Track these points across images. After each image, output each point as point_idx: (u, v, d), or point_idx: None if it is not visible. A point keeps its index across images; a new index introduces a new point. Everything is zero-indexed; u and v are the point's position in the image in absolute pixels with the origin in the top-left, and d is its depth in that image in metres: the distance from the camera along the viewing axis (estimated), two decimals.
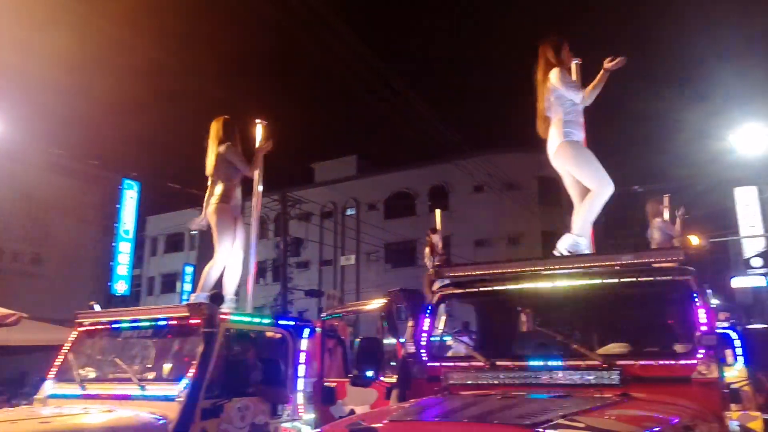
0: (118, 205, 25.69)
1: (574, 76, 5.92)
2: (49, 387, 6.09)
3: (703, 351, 4.00)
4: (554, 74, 5.56)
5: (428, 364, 4.76)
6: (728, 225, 35.09)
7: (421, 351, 4.82)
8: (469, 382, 4.45)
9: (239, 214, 7.13)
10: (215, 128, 7.15)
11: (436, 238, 10.74)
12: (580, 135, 5.60)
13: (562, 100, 5.58)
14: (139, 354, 6.14)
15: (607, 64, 5.42)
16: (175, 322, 5.84)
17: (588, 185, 5.42)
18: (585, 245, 5.32)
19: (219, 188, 6.99)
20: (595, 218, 5.47)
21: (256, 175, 7.14)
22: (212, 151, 7.11)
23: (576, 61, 6.02)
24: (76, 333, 6.40)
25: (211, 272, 6.80)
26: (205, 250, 7.32)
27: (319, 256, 43.56)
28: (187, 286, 38.18)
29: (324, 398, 6.33)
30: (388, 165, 44.57)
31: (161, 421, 5.11)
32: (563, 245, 5.31)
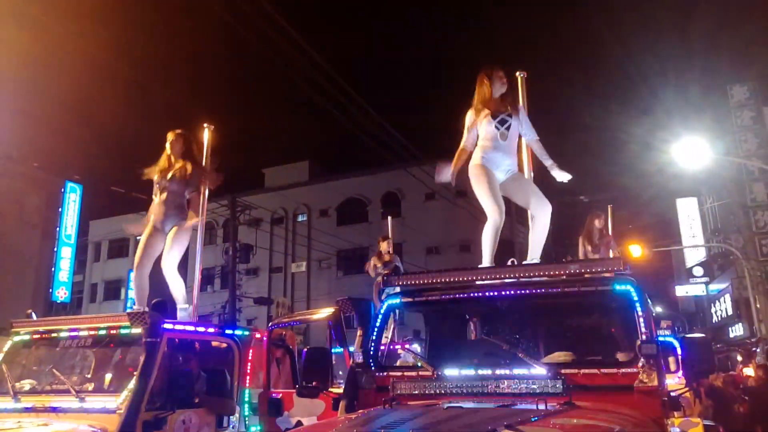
0: (59, 209, 25.04)
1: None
2: None
3: (644, 360, 4.07)
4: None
5: (376, 373, 4.74)
6: (671, 235, 36.08)
7: (370, 360, 4.80)
8: (417, 392, 4.45)
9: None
10: (178, 143, 7.09)
11: (386, 246, 10.73)
12: (497, 157, 5.73)
13: (483, 127, 5.78)
14: (78, 365, 5.95)
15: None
16: (115, 331, 5.69)
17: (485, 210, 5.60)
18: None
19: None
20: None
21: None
22: (172, 164, 7.06)
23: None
24: (11, 343, 6.17)
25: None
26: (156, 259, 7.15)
27: (269, 263, 43.14)
28: (132, 293, 37.40)
29: (270, 409, 6.24)
30: (341, 171, 44.49)
31: None
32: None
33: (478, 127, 5.77)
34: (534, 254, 5.51)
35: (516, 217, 5.93)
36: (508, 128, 5.72)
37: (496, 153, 5.67)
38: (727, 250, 29.10)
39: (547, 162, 5.92)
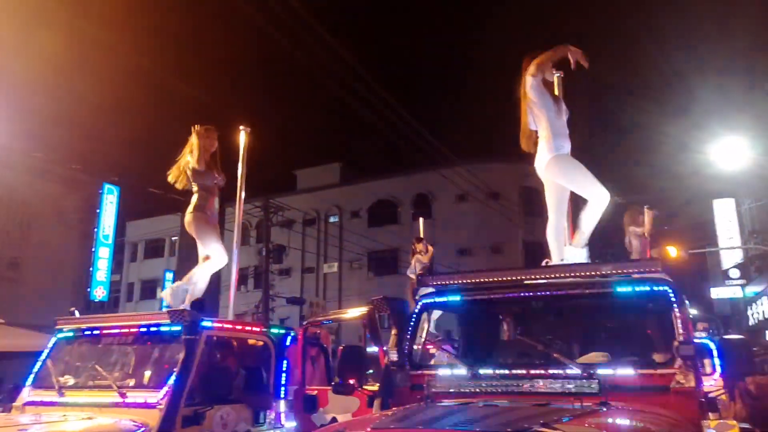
0: (97, 210, 25.45)
1: (556, 89, 5.98)
2: (26, 394, 6.00)
3: (680, 361, 4.05)
4: (531, 89, 5.61)
5: (411, 372, 4.78)
6: (707, 237, 35.48)
7: (404, 359, 4.84)
8: (452, 390, 4.47)
9: (216, 223, 7.12)
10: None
11: (421, 247, 10.80)
12: (568, 147, 5.63)
13: (546, 114, 5.61)
14: (119, 361, 6.08)
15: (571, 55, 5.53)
16: (156, 328, 5.81)
17: (586, 196, 5.45)
18: (585, 256, 5.37)
19: (194, 198, 7.00)
20: (593, 228, 5.50)
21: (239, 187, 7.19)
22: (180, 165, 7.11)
23: (558, 74, 6.08)
24: (55, 339, 6.34)
25: (199, 273, 6.83)
26: (185, 256, 7.28)
27: (301, 264, 43.41)
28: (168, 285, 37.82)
29: (306, 406, 6.32)
30: (372, 173, 44.55)
31: (141, 429, 5.07)
32: (564, 256, 5.36)
33: (545, 112, 5.64)
34: (577, 240, 5.43)
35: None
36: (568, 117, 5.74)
37: (567, 141, 5.65)
38: (765, 251, 28.56)
39: None
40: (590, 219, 5.41)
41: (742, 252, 34.75)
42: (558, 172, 5.52)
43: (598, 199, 5.38)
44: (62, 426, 5.04)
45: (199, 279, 6.76)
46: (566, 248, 5.40)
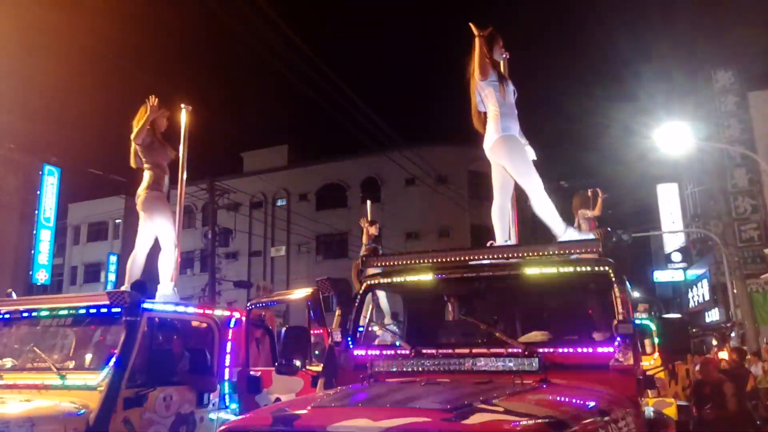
0: (38, 192, 24.78)
1: (503, 70, 6.00)
2: None
3: (620, 339, 4.13)
4: (478, 69, 5.62)
5: (354, 352, 4.79)
6: (651, 220, 36.42)
7: (348, 339, 4.84)
8: (394, 369, 4.49)
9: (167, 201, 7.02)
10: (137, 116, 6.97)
11: (374, 229, 10.79)
12: (515, 129, 5.66)
13: (494, 94, 5.62)
14: (59, 343, 5.98)
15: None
16: (95, 310, 5.70)
17: (521, 182, 5.50)
18: (576, 236, 5.37)
19: (147, 175, 6.87)
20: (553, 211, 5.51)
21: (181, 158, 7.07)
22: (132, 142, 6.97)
23: (504, 56, 6.09)
24: None
25: (165, 263, 6.76)
26: (129, 239, 7.16)
27: (248, 247, 43.06)
28: (112, 276, 37.23)
29: (249, 387, 6.29)
30: (320, 155, 44.35)
31: (81, 411, 4.99)
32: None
33: (493, 93, 5.60)
34: (560, 229, 5.48)
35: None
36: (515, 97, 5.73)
37: (515, 122, 5.63)
38: (706, 235, 29.43)
39: None
40: (544, 208, 5.44)
41: (684, 236, 35.75)
42: (502, 153, 5.54)
43: (535, 189, 5.44)
44: (0, 409, 4.92)
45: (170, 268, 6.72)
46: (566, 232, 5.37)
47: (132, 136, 6.83)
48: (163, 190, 6.89)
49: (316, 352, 7.07)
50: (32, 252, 24.51)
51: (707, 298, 32.10)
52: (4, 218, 23.21)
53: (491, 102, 5.61)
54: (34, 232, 24.72)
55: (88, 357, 5.77)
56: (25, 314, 6.09)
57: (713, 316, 31.36)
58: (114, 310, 5.47)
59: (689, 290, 36.11)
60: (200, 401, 5.85)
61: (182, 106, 7.29)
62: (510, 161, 5.53)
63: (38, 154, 25.21)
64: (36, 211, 24.80)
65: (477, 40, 5.62)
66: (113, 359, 5.23)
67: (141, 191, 6.83)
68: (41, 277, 24.80)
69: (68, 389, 5.24)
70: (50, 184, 25.32)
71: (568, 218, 9.97)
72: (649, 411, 5.04)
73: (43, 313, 6.00)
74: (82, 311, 5.79)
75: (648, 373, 4.62)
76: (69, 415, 4.93)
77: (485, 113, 5.73)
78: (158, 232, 6.81)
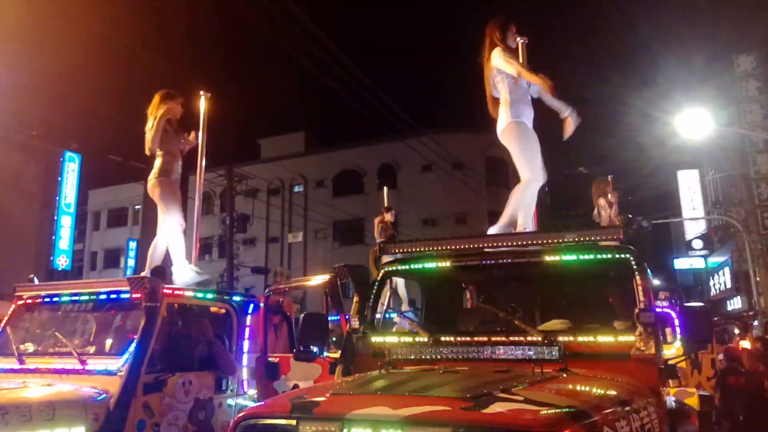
0: (59, 178, 24.95)
1: (520, 56, 5.95)
2: None
3: (641, 328, 4.09)
4: (496, 54, 5.60)
5: (372, 339, 4.78)
6: (671, 207, 36.05)
7: (366, 326, 4.83)
8: (413, 357, 4.48)
9: (178, 189, 7.02)
10: (152, 104, 6.99)
11: (389, 217, 10.80)
12: (528, 116, 5.64)
13: (507, 80, 5.62)
14: (80, 328, 6.06)
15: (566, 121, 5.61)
16: (116, 296, 5.74)
17: (520, 172, 5.50)
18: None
19: (158, 162, 6.89)
20: (533, 208, 5.55)
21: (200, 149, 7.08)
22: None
23: (522, 41, 6.03)
24: (15, 307, 6.25)
25: (174, 246, 6.74)
26: (149, 224, 7.20)
27: (265, 233, 43.20)
28: (131, 262, 37.52)
29: (267, 373, 6.31)
30: (337, 142, 44.35)
31: (102, 396, 5.04)
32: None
33: (506, 79, 5.64)
34: (526, 223, 5.49)
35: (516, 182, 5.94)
36: (529, 84, 5.71)
37: (528, 109, 5.64)
38: (728, 222, 29.07)
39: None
40: (525, 199, 5.43)
41: (705, 223, 35.37)
42: (509, 139, 5.56)
43: (535, 180, 5.45)
44: (22, 393, 4.97)
45: (179, 251, 6.71)
46: (491, 228, 5.43)
47: (147, 145, 6.86)
48: (171, 176, 6.88)
49: (334, 339, 7.08)
50: (53, 238, 24.70)
51: (729, 286, 31.72)
52: (26, 204, 23.40)
53: (504, 88, 5.63)
54: (55, 218, 24.89)
55: (109, 342, 5.83)
56: (47, 299, 6.16)
57: (735, 304, 31.03)
58: (134, 295, 5.50)
59: (711, 278, 35.72)
60: (219, 387, 5.89)
61: (201, 93, 7.31)
62: (514, 147, 5.55)
63: (59, 141, 25.37)
64: (57, 198, 24.96)
65: (489, 27, 5.65)
66: (133, 345, 5.27)
67: (150, 177, 6.88)
68: (62, 262, 24.99)
69: (89, 374, 5.30)
70: (71, 170, 25.46)
71: (587, 205, 9.90)
72: (670, 401, 4.99)
73: (65, 299, 6.07)
74: (103, 297, 5.84)
75: (669, 362, 4.56)
76: (90, 399, 4.98)
77: (498, 99, 5.74)
78: (162, 216, 6.83)
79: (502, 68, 5.61)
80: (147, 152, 6.94)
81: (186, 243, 7.04)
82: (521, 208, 5.43)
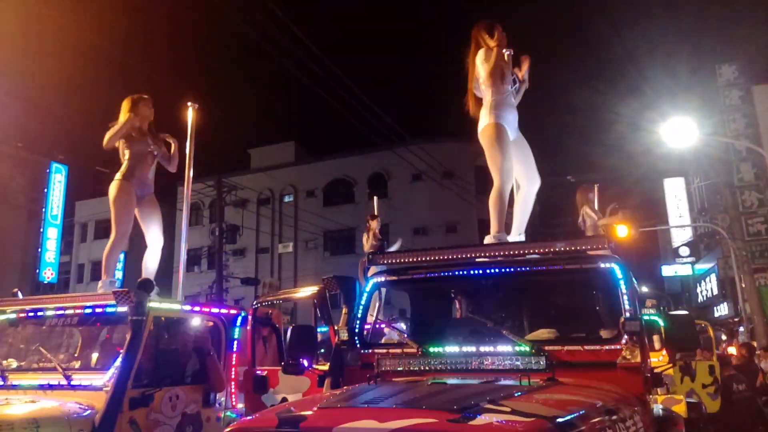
0: (45, 189, 24.82)
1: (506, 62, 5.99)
2: None
3: (627, 337, 4.10)
4: (480, 55, 5.64)
5: (361, 351, 4.77)
6: (658, 215, 36.25)
7: (355, 338, 4.82)
8: (401, 368, 4.47)
9: (149, 191, 7.02)
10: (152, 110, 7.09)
11: (375, 224, 10.80)
12: (510, 120, 5.66)
13: (490, 82, 5.65)
14: (65, 343, 5.98)
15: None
16: (101, 309, 5.69)
17: (491, 169, 5.53)
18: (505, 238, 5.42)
19: (123, 165, 6.91)
20: (528, 212, 5.58)
21: (187, 159, 7.08)
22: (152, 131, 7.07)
23: (508, 52, 6.07)
24: None
25: (110, 254, 6.70)
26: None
27: (255, 244, 43.13)
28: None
29: (256, 387, 6.28)
30: (327, 152, 44.41)
31: (87, 412, 4.97)
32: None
33: (490, 81, 5.67)
34: (520, 228, 5.52)
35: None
36: (517, 90, 5.74)
37: (510, 112, 5.65)
38: (714, 230, 29.28)
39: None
40: (493, 207, 5.46)
41: (692, 230, 35.60)
42: (485, 140, 5.60)
43: (498, 186, 5.50)
44: (4, 410, 4.89)
45: (112, 263, 6.75)
46: (486, 238, 5.44)
47: (105, 140, 6.85)
48: (131, 180, 6.83)
49: (322, 351, 7.05)
50: (39, 250, 24.57)
51: (716, 292, 31.94)
52: (12, 216, 23.27)
53: (487, 90, 5.66)
54: (42, 230, 24.78)
55: (94, 357, 5.76)
56: (31, 314, 6.09)
57: (722, 310, 31.22)
58: (120, 309, 5.46)
59: (698, 285, 35.94)
60: (207, 401, 5.84)
61: (189, 104, 7.28)
62: (487, 149, 5.56)
63: (45, 152, 25.28)
64: (43, 209, 24.85)
65: (475, 30, 5.70)
66: (119, 359, 5.21)
67: (114, 179, 6.88)
68: (48, 275, 24.85)
69: (74, 389, 5.22)
70: (57, 181, 25.36)
71: (575, 213, 9.91)
72: (657, 408, 5.01)
73: (49, 313, 5.98)
74: (88, 311, 5.78)
75: (656, 370, 4.58)
76: (74, 415, 4.91)
77: (481, 99, 5.77)
78: (112, 221, 6.83)
79: (479, 69, 5.67)
80: (104, 147, 6.90)
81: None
82: (498, 211, 5.43)
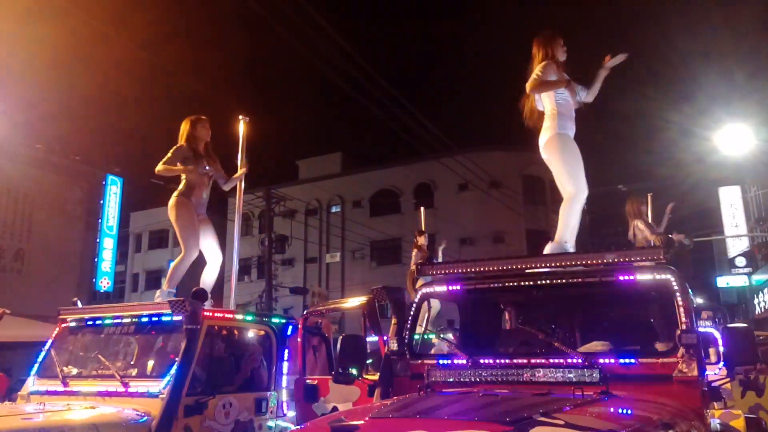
0: (101, 201, 25.44)
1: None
2: (31, 383, 6.06)
3: (683, 350, 4.02)
4: (539, 69, 5.58)
5: (411, 361, 4.77)
6: (713, 224, 35.36)
7: (404, 348, 4.83)
8: (451, 379, 4.46)
9: (203, 212, 7.10)
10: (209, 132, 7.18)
11: (423, 240, 10.82)
12: (572, 129, 5.62)
13: (554, 94, 5.60)
14: (122, 350, 6.13)
15: (607, 61, 5.52)
16: (157, 318, 5.83)
17: (565, 185, 5.46)
18: (572, 250, 5.35)
19: (182, 183, 6.99)
20: (577, 222, 5.50)
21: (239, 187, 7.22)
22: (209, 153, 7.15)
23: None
24: (59, 329, 6.38)
25: (178, 267, 6.77)
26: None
27: (304, 254, 43.43)
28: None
29: (306, 395, 6.33)
30: (373, 162, 44.53)
31: (144, 418, 5.10)
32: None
33: (553, 93, 5.64)
34: (560, 235, 5.44)
35: (552, 206, 5.88)
36: (580, 100, 5.71)
37: (572, 124, 5.63)
38: None
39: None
40: (572, 213, 5.40)
41: (748, 240, 34.61)
42: (554, 151, 5.52)
43: (579, 194, 5.43)
44: (65, 415, 5.06)
45: (177, 275, 6.76)
46: (550, 244, 5.38)
47: (160, 169, 6.89)
48: (191, 198, 6.92)
49: (371, 361, 7.08)
50: (96, 260, 25.18)
51: None
52: (70, 227, 23.90)
53: (550, 101, 5.59)
54: (98, 240, 25.38)
55: (150, 364, 5.89)
56: (90, 322, 6.28)
57: None
58: (175, 318, 5.58)
59: (755, 296, 34.89)
60: (258, 409, 5.92)
61: (240, 117, 7.44)
62: (561, 158, 5.51)
63: (101, 165, 25.92)
64: (99, 220, 25.46)
65: (537, 41, 5.65)
66: (174, 367, 5.33)
67: (172, 196, 6.97)
68: (104, 284, 25.42)
69: (131, 396, 5.37)
70: (113, 193, 25.97)
71: (626, 223, 9.75)
72: (715, 423, 4.89)
73: (107, 322, 6.17)
74: (145, 319, 5.93)
75: (713, 384, 4.47)
76: (132, 422, 5.04)
77: (542, 112, 5.71)
78: (179, 238, 6.88)
79: (548, 85, 5.59)
80: (156, 172, 6.97)
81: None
82: (572, 224, 5.39)
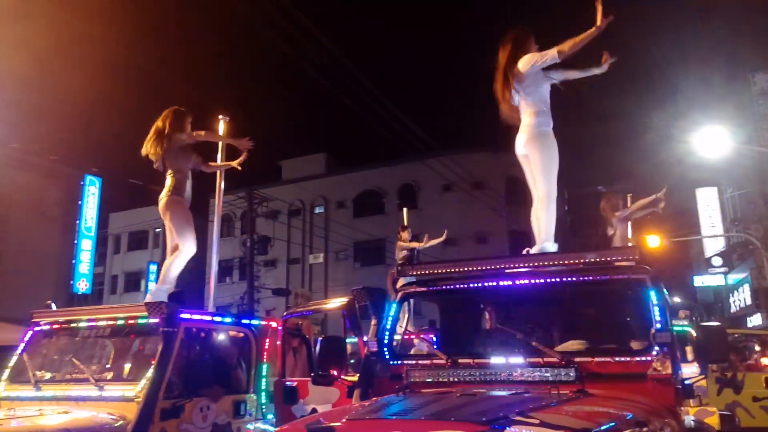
0: (79, 202, 25.20)
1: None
2: (2, 389, 5.94)
3: (657, 348, 4.06)
4: (524, 60, 5.48)
5: (390, 362, 4.77)
6: (690, 225, 35.73)
7: (384, 349, 4.82)
8: (430, 380, 4.47)
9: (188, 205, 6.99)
10: (163, 118, 6.86)
11: (406, 236, 10.84)
12: (550, 126, 5.61)
13: (533, 89, 5.57)
14: (97, 354, 6.03)
15: (605, 61, 5.52)
16: (133, 321, 5.76)
17: (540, 184, 5.47)
18: (553, 248, 5.37)
19: (169, 180, 6.82)
20: (554, 221, 5.51)
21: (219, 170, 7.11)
22: (158, 143, 6.82)
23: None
24: (31, 333, 6.23)
25: (172, 266, 6.68)
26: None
27: (286, 255, 43.33)
28: (152, 285, 37.75)
29: (286, 397, 6.31)
30: (357, 163, 44.52)
31: (119, 422, 5.04)
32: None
33: (532, 88, 5.58)
34: (543, 235, 5.44)
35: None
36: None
37: (551, 121, 5.61)
38: (747, 239, 28.79)
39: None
40: (545, 217, 5.41)
41: (725, 240, 35.01)
42: (535, 146, 5.50)
43: (547, 194, 5.42)
44: (38, 421, 5.00)
45: (174, 273, 6.67)
46: (535, 247, 5.40)
47: (157, 160, 6.80)
48: (183, 195, 6.79)
49: (352, 362, 7.07)
50: (73, 261, 24.93)
51: (749, 302, 31.37)
52: (47, 228, 23.63)
53: (529, 97, 5.56)
54: (76, 241, 25.15)
55: (126, 368, 5.81)
56: (64, 325, 6.18)
57: (755, 321, 30.61)
58: (152, 321, 5.52)
59: (730, 295, 35.34)
60: (237, 412, 5.88)
61: (220, 117, 7.37)
62: (540, 156, 5.50)
63: (79, 165, 25.68)
64: (77, 221, 25.22)
65: (509, 35, 5.61)
66: (151, 370, 5.27)
67: (162, 196, 6.79)
68: (82, 286, 25.19)
69: (106, 401, 5.29)
70: (91, 194, 25.74)
71: (604, 222, 9.78)
72: (689, 420, 4.93)
73: (82, 325, 6.07)
74: (121, 322, 5.85)
75: (687, 382, 4.51)
76: (106, 426, 4.98)
77: (517, 108, 5.69)
78: (173, 234, 6.76)
79: (539, 67, 5.47)
80: (155, 167, 6.86)
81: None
82: (551, 225, 5.39)
